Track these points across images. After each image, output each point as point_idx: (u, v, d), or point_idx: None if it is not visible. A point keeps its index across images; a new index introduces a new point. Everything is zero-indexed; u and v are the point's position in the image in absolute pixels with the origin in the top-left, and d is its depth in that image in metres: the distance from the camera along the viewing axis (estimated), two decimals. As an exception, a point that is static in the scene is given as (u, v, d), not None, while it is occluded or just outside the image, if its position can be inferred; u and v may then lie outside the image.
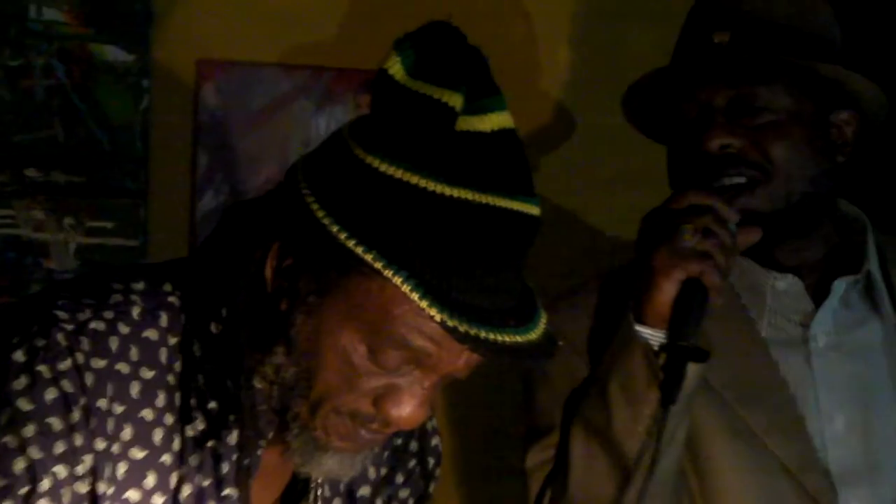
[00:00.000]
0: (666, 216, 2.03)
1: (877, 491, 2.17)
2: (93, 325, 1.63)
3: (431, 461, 1.92)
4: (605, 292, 2.21)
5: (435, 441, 1.93)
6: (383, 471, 1.88)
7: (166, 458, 1.65)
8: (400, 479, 1.89)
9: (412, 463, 1.90)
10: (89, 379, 1.60)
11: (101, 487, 1.61)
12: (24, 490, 1.57)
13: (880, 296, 2.25)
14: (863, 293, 2.25)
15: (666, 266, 2.00)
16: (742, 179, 2.11)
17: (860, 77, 2.18)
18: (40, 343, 1.60)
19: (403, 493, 1.90)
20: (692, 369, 1.98)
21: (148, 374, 1.65)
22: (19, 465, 1.57)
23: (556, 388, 2.21)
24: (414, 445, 1.90)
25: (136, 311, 1.66)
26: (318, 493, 1.80)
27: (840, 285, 2.21)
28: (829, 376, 2.19)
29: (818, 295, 2.22)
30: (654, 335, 2.03)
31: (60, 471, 1.59)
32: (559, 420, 2.19)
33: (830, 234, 2.27)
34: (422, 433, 1.90)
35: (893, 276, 2.27)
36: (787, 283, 2.21)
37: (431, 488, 1.94)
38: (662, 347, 2.02)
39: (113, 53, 2.79)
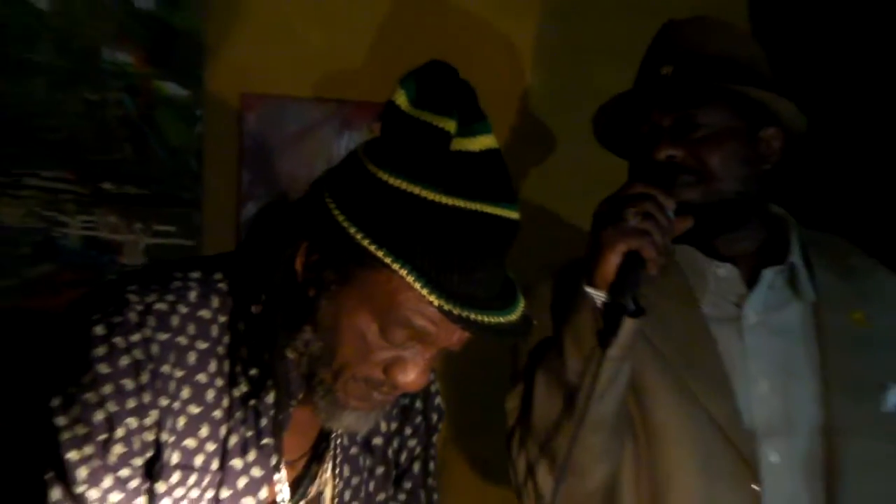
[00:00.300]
0: (615, 202, 2.08)
1: (792, 442, 2.21)
2: (158, 305, 1.69)
3: (435, 417, 1.98)
4: (570, 274, 2.22)
5: (437, 401, 1.99)
6: (394, 425, 1.94)
7: (217, 414, 1.72)
8: (408, 431, 1.95)
9: (418, 419, 1.96)
10: (155, 349, 1.67)
11: (164, 436, 1.68)
12: (102, 437, 1.65)
13: (802, 283, 2.29)
14: (787, 280, 2.29)
15: (612, 240, 2.03)
16: (683, 182, 2.16)
17: (779, 98, 2.22)
18: (116, 320, 1.66)
19: (411, 443, 1.96)
20: (628, 323, 2.02)
21: (202, 345, 1.72)
22: (98, 417, 1.64)
23: (532, 345, 2.25)
24: (419, 404, 1.97)
25: (192, 295, 1.73)
26: (340, 442, 1.85)
27: (768, 274, 2.26)
28: (757, 348, 2.24)
29: (751, 281, 2.27)
30: (599, 296, 2.05)
31: (132, 422, 1.66)
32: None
33: (760, 230, 2.31)
34: (426, 394, 1.97)
35: (815, 265, 2.30)
36: (726, 271, 2.27)
37: (435, 438, 2.00)
38: (605, 305, 2.05)
39: (172, 89, 2.81)
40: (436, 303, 1.60)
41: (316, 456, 1.87)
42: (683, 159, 2.19)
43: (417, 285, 1.60)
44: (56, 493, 1.67)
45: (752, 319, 2.28)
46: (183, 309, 1.71)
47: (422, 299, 1.61)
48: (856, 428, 2.21)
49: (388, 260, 1.60)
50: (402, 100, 1.66)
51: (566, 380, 2.12)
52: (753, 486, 2.17)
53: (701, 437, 2.19)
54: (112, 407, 1.65)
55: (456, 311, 1.60)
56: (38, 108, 2.78)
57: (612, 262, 2.04)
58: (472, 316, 1.61)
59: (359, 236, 1.62)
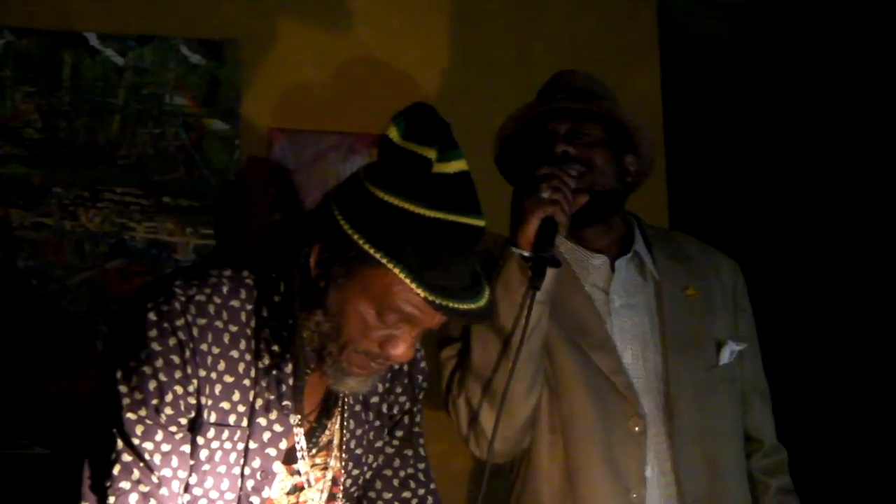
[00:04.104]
0: (531, 179, 2.04)
1: (651, 398, 2.13)
2: (197, 297, 1.61)
3: (420, 377, 1.88)
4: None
5: (423, 364, 1.89)
6: (387, 386, 1.84)
7: (246, 382, 1.64)
8: (399, 390, 1.85)
9: (406, 380, 1.87)
10: (195, 331, 1.60)
11: (203, 400, 1.61)
12: (155, 401, 1.57)
13: (646, 267, 2.21)
14: (636, 266, 2.21)
15: (531, 209, 1.99)
16: (574, 171, 2.09)
17: (633, 117, 2.17)
18: (165, 308, 1.59)
19: (402, 399, 1.86)
20: (550, 271, 1.98)
21: (233, 328, 1.63)
22: (152, 385, 1.58)
23: None
24: (407, 368, 1.86)
25: (225, 289, 1.64)
26: (345, 401, 1.77)
27: (621, 263, 2.19)
28: (620, 326, 2.16)
29: (613, 269, 2.19)
30: (523, 253, 2.00)
31: (178, 389, 1.59)
32: (459, 332, 2.14)
33: (619, 227, 2.23)
34: (413, 361, 1.86)
35: (656, 254, 2.22)
36: (600, 261, 2.19)
37: (421, 395, 1.91)
38: (527, 259, 1.99)
39: (216, 125, 2.76)
40: (421, 294, 1.53)
41: (325, 411, 1.76)
42: (575, 155, 2.13)
43: (407, 280, 1.53)
44: (119, 444, 1.58)
45: (617, 302, 2.17)
46: (217, 299, 1.63)
47: (410, 291, 1.54)
48: (685, 382, 2.14)
49: (384, 260, 1.54)
50: (393, 133, 1.59)
51: (499, 326, 2.03)
52: (636, 419, 2.11)
53: (593, 382, 2.12)
54: (162, 377, 1.58)
55: (437, 301, 1.54)
56: (115, 140, 2.73)
57: (532, 226, 1.99)
58: (450, 304, 1.55)
59: (361, 241, 1.55)
